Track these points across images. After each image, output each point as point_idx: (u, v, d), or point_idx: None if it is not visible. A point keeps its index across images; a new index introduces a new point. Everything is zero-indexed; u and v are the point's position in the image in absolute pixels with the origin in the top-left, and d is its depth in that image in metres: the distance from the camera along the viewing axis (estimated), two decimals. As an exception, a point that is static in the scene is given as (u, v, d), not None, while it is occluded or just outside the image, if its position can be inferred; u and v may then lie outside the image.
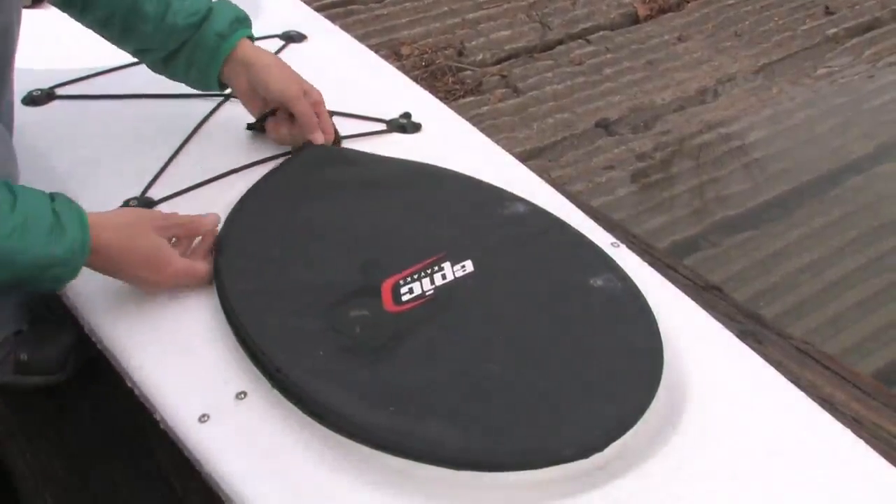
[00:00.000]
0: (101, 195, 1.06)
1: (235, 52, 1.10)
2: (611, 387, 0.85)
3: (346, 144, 1.16)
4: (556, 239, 1.01)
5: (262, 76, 1.10)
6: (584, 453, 0.79)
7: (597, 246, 1.00)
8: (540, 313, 0.92)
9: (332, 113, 1.20)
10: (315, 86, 1.12)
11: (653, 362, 0.87)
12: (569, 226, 1.03)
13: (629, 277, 0.95)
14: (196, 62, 1.10)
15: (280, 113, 1.13)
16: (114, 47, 1.13)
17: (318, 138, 1.11)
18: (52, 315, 1.20)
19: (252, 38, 1.12)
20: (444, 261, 0.96)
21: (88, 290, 0.96)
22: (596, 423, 0.81)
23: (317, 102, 1.12)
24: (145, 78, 1.16)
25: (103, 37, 1.12)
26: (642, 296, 0.93)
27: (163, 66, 1.13)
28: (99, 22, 1.09)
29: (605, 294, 0.93)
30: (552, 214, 1.04)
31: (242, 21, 1.11)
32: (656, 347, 0.88)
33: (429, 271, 0.95)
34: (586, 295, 0.94)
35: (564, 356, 0.87)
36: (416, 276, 0.95)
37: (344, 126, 1.18)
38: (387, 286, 0.94)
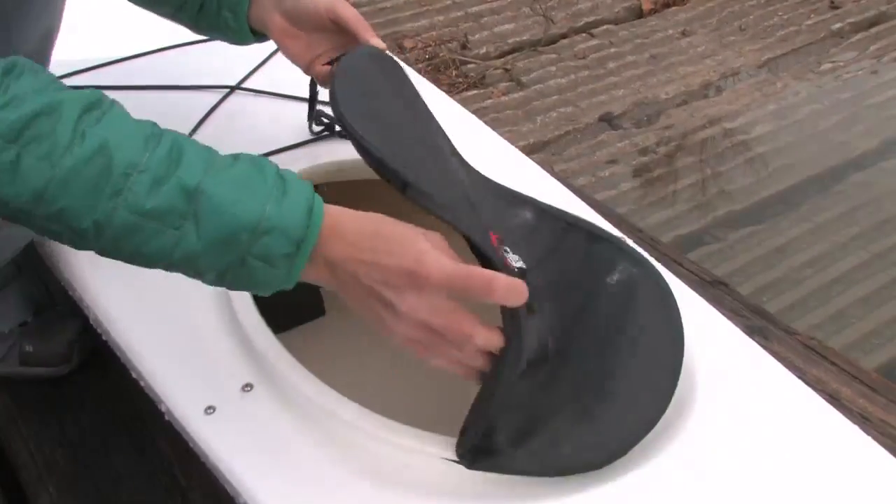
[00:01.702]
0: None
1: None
2: (636, 392, 0.84)
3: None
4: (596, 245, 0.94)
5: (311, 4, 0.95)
6: (610, 459, 0.79)
7: (630, 247, 0.96)
8: (581, 316, 0.90)
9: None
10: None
11: (674, 367, 0.86)
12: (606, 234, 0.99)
13: (665, 282, 0.91)
14: (225, 3, 0.99)
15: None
16: (119, 37, 1.12)
17: (378, 42, 0.95)
18: (56, 306, 1.20)
19: None
20: (504, 244, 0.88)
21: (94, 280, 0.96)
22: (621, 429, 0.81)
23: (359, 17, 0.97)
24: (150, 69, 1.16)
25: (139, 5, 1.06)
26: (676, 305, 0.89)
27: (196, 20, 1.04)
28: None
29: (642, 299, 0.90)
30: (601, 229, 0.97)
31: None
32: (678, 355, 0.87)
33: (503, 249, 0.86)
34: (620, 297, 0.91)
35: (603, 361, 0.85)
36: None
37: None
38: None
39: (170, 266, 0.68)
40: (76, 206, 0.63)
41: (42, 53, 0.97)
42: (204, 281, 0.70)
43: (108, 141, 0.64)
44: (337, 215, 0.70)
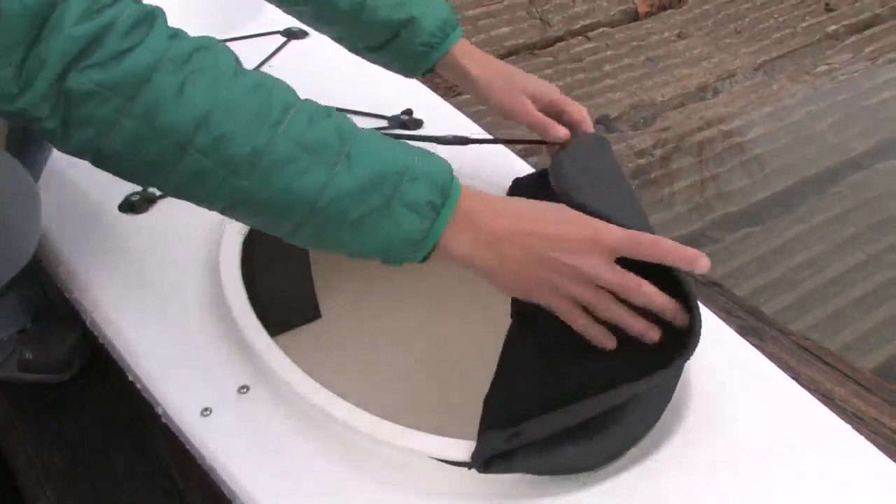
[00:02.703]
0: (102, 189, 1.07)
1: (445, 59, 1.01)
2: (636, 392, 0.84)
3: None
4: None
5: (485, 92, 1.02)
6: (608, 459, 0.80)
7: None
8: None
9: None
10: (317, 82, 1.10)
11: (675, 371, 0.87)
12: None
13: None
14: (401, 63, 1.03)
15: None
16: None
17: (582, 120, 1.02)
18: (55, 313, 1.20)
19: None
20: None
21: (91, 282, 0.96)
22: (619, 429, 0.81)
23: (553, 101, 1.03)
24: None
25: (300, 21, 1.08)
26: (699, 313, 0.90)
27: (365, 54, 1.06)
28: (293, 10, 1.05)
29: None
30: None
31: (450, 23, 1.00)
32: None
33: None
34: None
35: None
36: None
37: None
38: None
39: (313, 212, 0.68)
40: (238, 131, 0.65)
41: None
42: (338, 241, 0.70)
43: (265, 81, 0.69)
44: (476, 192, 0.74)
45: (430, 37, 0.98)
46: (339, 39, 1.05)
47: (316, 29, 1.06)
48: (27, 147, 0.97)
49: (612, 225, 0.74)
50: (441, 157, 0.73)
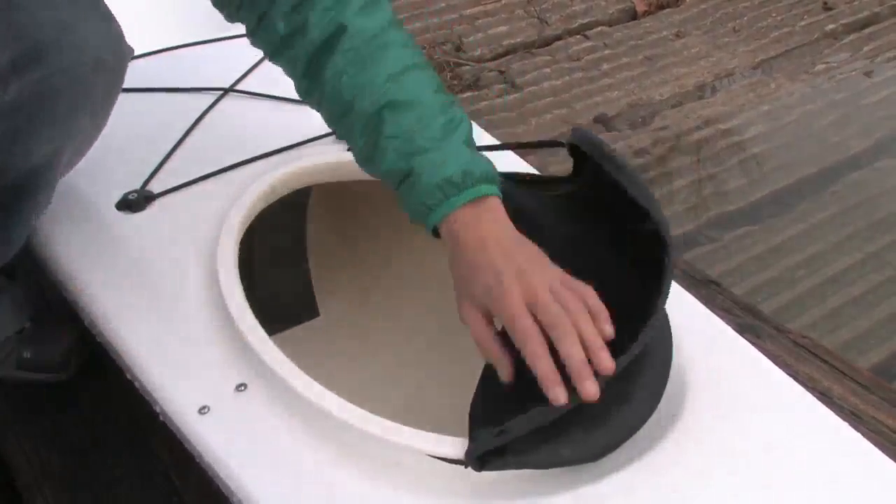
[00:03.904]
0: (100, 187, 1.07)
1: (442, 229, 0.81)
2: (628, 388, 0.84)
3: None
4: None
5: (459, 283, 0.81)
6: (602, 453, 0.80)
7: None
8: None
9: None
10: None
11: (664, 364, 0.87)
12: None
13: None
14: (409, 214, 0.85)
15: None
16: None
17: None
18: (52, 313, 1.19)
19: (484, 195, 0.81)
20: None
21: (88, 281, 0.96)
22: (613, 424, 0.81)
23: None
24: (144, 72, 1.16)
25: None
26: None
27: None
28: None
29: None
30: None
31: (455, 182, 0.79)
32: (668, 351, 0.88)
33: None
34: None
35: None
36: None
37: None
38: None
39: None
40: None
41: (45, 168, 0.96)
42: None
43: None
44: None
45: (427, 196, 0.80)
46: None
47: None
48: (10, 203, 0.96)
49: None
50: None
